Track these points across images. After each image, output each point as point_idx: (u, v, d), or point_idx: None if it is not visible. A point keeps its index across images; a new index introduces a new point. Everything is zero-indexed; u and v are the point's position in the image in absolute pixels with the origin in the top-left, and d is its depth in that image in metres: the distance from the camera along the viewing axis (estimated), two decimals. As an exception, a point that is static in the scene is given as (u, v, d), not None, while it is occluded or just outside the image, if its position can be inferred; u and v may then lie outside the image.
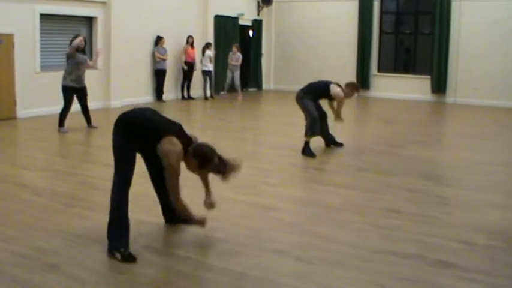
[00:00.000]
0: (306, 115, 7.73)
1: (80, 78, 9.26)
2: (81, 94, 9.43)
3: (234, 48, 14.92)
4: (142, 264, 3.89)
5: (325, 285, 3.62)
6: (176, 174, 3.93)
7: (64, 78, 9.25)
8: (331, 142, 8.27)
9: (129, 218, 4.08)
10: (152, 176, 4.54)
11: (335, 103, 7.94)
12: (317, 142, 8.20)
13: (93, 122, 9.66)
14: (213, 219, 4.78)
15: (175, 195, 4.04)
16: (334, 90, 7.71)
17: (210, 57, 14.53)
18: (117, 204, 4.04)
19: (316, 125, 7.70)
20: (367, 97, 16.06)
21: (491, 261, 4.05)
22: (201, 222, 4.31)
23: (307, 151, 7.63)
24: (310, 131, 7.66)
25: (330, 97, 7.87)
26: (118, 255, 3.92)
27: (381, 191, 5.96)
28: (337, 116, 7.93)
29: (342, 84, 7.88)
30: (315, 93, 7.82)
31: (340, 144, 8.29)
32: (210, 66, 14.66)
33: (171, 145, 3.88)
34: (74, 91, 9.29)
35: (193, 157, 3.97)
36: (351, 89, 7.86)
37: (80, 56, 9.19)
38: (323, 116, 8.06)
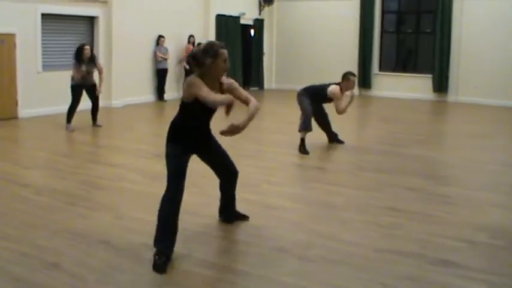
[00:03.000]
0: (301, 111, 7.91)
1: (86, 78, 9.30)
2: (92, 91, 9.47)
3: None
4: (143, 262, 3.89)
5: (326, 284, 3.62)
6: (208, 95, 3.79)
7: (72, 78, 9.27)
8: (333, 139, 8.40)
9: (176, 226, 3.98)
10: (217, 172, 4.47)
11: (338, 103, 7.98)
12: (319, 140, 8.21)
13: (99, 121, 9.72)
14: (215, 217, 4.79)
15: (211, 99, 3.81)
16: (331, 88, 7.77)
17: None
18: (165, 213, 3.95)
19: (309, 121, 7.81)
20: (368, 96, 16.06)
21: (492, 260, 4.04)
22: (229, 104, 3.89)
23: (301, 149, 7.75)
24: (302, 127, 7.79)
25: (326, 97, 7.86)
26: (153, 260, 3.85)
27: (383, 189, 5.96)
28: (342, 110, 7.84)
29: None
30: (312, 92, 7.97)
31: (341, 142, 8.42)
32: None
33: (188, 84, 3.88)
34: (82, 87, 9.33)
35: (204, 59, 3.87)
36: (343, 78, 7.82)
37: (86, 67, 9.23)
38: (324, 116, 8.27)
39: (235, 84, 4.20)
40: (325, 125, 8.33)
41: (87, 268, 3.79)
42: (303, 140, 7.79)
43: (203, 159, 4.38)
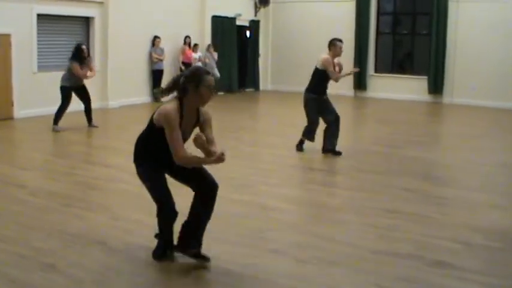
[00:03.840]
0: (307, 119, 7.82)
1: (78, 79, 9.29)
2: (82, 93, 9.45)
3: (213, 48, 15.05)
4: (140, 264, 3.88)
5: (323, 285, 3.61)
6: (174, 131, 3.54)
7: (62, 79, 9.27)
8: (329, 150, 7.78)
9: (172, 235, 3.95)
10: (194, 186, 3.97)
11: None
12: (317, 142, 8.19)
13: (94, 122, 9.70)
14: (211, 218, 4.78)
15: (176, 152, 3.57)
16: (319, 58, 7.81)
17: (195, 59, 14.52)
18: (163, 225, 3.90)
19: (312, 133, 7.81)
20: (364, 97, 16.07)
21: (488, 261, 4.05)
22: (219, 159, 3.58)
23: (297, 146, 7.91)
24: (305, 136, 7.86)
25: (320, 73, 7.79)
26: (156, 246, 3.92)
27: (379, 191, 5.96)
28: (336, 77, 7.86)
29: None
30: (313, 83, 7.86)
31: (338, 153, 7.77)
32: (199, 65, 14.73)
33: (163, 116, 3.56)
34: (73, 89, 9.32)
35: (188, 85, 3.58)
36: (330, 45, 7.91)
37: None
38: (336, 120, 7.80)
39: (210, 122, 3.84)
40: (331, 130, 7.78)
41: (83, 269, 3.78)
42: (302, 141, 7.89)
43: (177, 179, 3.95)
